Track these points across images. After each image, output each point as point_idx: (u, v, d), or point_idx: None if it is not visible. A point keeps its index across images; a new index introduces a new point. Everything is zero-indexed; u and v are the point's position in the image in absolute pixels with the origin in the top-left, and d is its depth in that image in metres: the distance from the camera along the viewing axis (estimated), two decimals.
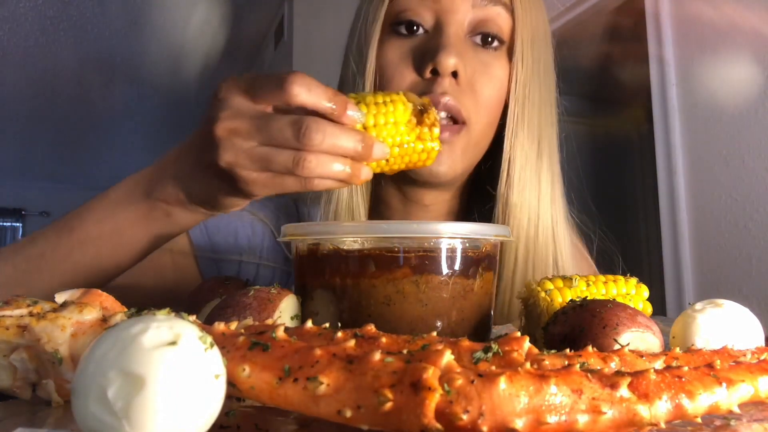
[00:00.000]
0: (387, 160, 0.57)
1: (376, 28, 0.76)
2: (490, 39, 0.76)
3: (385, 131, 0.56)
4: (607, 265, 0.88)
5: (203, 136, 0.55)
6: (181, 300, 0.64)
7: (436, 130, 0.59)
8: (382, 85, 0.76)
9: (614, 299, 0.48)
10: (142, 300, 0.73)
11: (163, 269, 0.77)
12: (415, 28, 0.75)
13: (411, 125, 0.58)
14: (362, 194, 0.78)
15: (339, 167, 0.54)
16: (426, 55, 0.73)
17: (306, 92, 0.52)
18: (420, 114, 0.59)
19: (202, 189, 0.59)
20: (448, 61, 0.71)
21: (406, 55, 0.75)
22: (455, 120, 0.73)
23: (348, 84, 0.79)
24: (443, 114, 0.72)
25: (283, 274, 0.82)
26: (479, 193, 0.83)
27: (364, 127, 0.56)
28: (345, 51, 0.84)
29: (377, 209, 0.83)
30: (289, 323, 0.46)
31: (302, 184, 0.54)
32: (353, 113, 0.55)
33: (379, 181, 0.81)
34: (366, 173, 0.56)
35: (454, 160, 0.75)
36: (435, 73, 0.72)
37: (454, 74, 0.72)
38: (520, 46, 0.77)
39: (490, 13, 0.75)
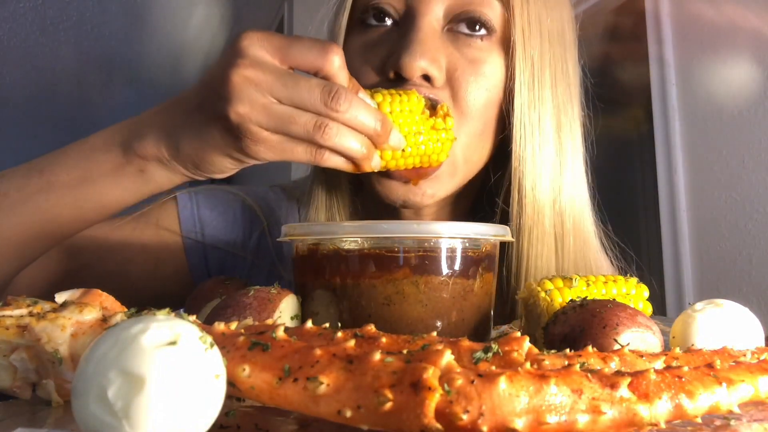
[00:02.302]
0: (403, 151, 0.57)
1: (343, 20, 0.67)
2: (477, 26, 0.63)
3: (401, 118, 0.56)
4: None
5: (212, 83, 0.52)
6: (162, 281, 0.60)
7: (450, 121, 0.59)
8: None
9: (614, 299, 0.48)
10: (119, 269, 0.71)
11: (149, 243, 0.73)
12: (383, 17, 0.64)
13: (425, 115, 0.58)
14: (342, 203, 0.71)
15: (356, 144, 0.52)
16: (389, 55, 0.62)
17: (341, 64, 0.52)
18: (432, 107, 0.59)
19: (194, 143, 0.54)
20: (414, 64, 0.59)
21: (369, 51, 0.64)
22: None
23: None
24: None
25: (271, 272, 0.77)
26: (485, 199, 0.72)
27: None
28: None
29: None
30: (289, 323, 0.46)
31: (313, 154, 0.52)
32: (365, 97, 0.54)
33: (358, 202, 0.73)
34: (377, 161, 0.55)
35: (435, 188, 0.64)
36: (399, 77, 0.61)
37: (427, 78, 0.61)
38: (521, 37, 0.63)
39: None
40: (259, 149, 0.52)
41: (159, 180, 0.57)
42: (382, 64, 0.63)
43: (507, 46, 0.65)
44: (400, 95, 0.57)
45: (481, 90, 0.63)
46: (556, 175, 0.67)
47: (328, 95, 0.50)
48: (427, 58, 0.60)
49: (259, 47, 0.50)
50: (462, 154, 0.65)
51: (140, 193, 0.58)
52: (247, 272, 0.78)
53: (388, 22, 0.65)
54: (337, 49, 0.52)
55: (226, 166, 0.56)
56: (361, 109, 0.51)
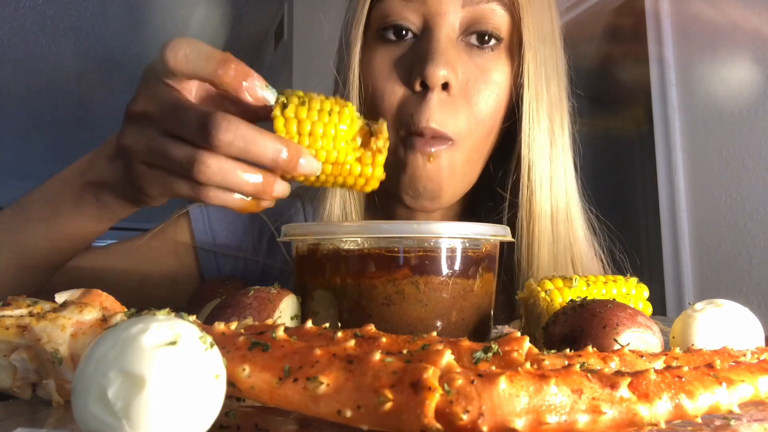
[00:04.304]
0: (317, 178, 0.49)
1: (358, 33, 0.69)
2: (486, 38, 0.68)
3: (322, 142, 0.48)
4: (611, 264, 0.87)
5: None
6: (179, 295, 0.62)
7: (381, 158, 0.50)
8: (370, 98, 0.69)
9: (614, 299, 0.48)
10: (139, 287, 0.73)
11: (163, 259, 0.76)
12: (403, 32, 0.68)
13: (353, 144, 0.50)
14: (357, 199, 0.73)
15: (246, 178, 0.44)
16: (414, 67, 0.66)
17: (239, 70, 0.44)
18: (368, 135, 0.51)
19: (111, 174, 0.52)
20: (437, 73, 0.64)
21: (394, 66, 0.68)
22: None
23: (338, 89, 0.73)
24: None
25: (282, 274, 0.80)
26: (485, 191, 0.78)
27: (299, 133, 0.47)
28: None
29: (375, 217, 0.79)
30: (289, 323, 0.46)
31: (195, 191, 0.45)
32: (262, 91, 0.46)
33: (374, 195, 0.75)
34: (281, 189, 0.47)
35: (443, 182, 0.69)
36: (425, 86, 0.65)
37: (445, 86, 0.65)
38: (529, 43, 0.69)
39: (483, 11, 0.68)
40: (144, 184, 0.48)
41: (113, 207, 0.55)
42: (407, 75, 0.67)
43: (512, 51, 0.70)
44: (331, 113, 0.48)
45: (492, 96, 0.69)
46: (553, 164, 0.74)
47: (205, 125, 0.42)
48: (448, 67, 0.64)
49: (160, 72, 0.46)
50: (465, 153, 0.69)
51: (101, 221, 0.57)
52: (259, 276, 0.80)
53: (408, 36, 0.69)
54: (231, 59, 0.45)
55: (143, 200, 0.52)
56: (250, 139, 0.43)
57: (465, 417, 0.24)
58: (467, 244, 0.46)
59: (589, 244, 0.79)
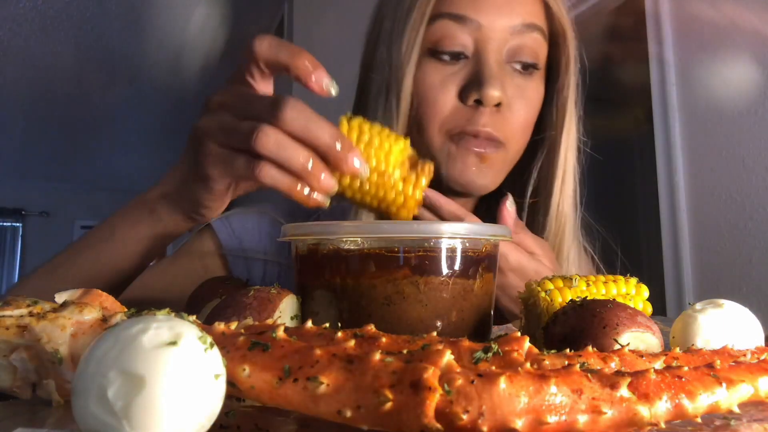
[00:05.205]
0: (361, 185, 0.52)
1: (414, 52, 0.75)
2: (528, 67, 0.78)
3: (373, 151, 0.52)
4: (607, 264, 0.88)
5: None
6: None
7: (424, 181, 0.54)
8: (418, 109, 0.76)
9: (614, 299, 0.48)
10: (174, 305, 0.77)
11: (194, 274, 0.78)
12: (457, 54, 0.76)
13: (403, 165, 0.54)
14: None
15: (298, 156, 0.48)
16: (471, 85, 0.74)
17: (310, 59, 0.51)
18: (416, 163, 0.55)
19: (177, 182, 0.58)
20: (493, 94, 0.72)
21: (449, 82, 0.76)
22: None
23: (372, 99, 0.79)
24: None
25: None
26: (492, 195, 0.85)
27: (358, 141, 0.52)
28: (364, 60, 0.84)
29: None
30: (289, 323, 0.46)
31: (251, 167, 0.49)
32: (328, 82, 0.51)
33: None
34: (328, 181, 0.50)
35: (495, 174, 0.78)
36: (478, 102, 0.74)
37: (496, 104, 0.75)
38: (565, 69, 0.80)
39: (527, 40, 0.76)
40: (207, 164, 0.52)
41: (166, 219, 0.60)
42: (461, 92, 0.75)
43: (545, 73, 0.81)
44: (388, 136, 0.54)
45: (530, 113, 0.79)
46: (567, 166, 0.83)
47: (273, 103, 0.48)
48: (501, 89, 0.74)
49: (243, 63, 0.53)
50: (511, 156, 0.79)
51: (155, 236, 0.61)
52: (285, 276, 0.83)
53: (462, 58, 0.76)
54: (306, 52, 0.52)
55: (205, 199, 0.56)
56: (312, 120, 0.48)
57: (465, 417, 0.24)
58: (467, 244, 0.46)
59: (578, 241, 0.86)
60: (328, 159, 0.49)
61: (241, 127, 0.49)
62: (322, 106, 0.51)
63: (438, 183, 0.76)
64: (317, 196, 0.51)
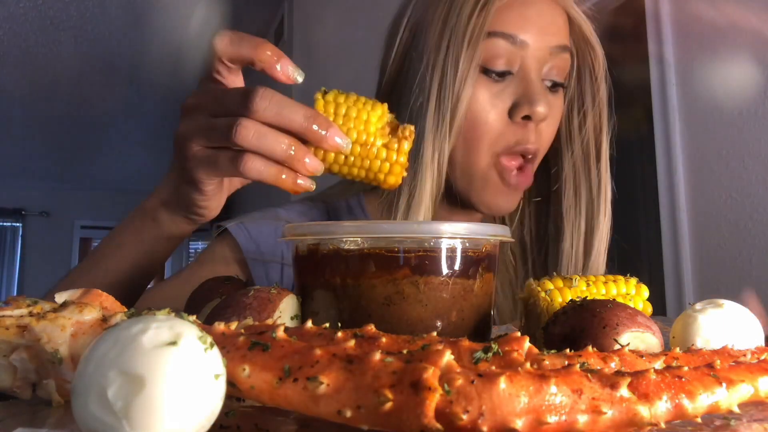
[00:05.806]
0: (345, 158, 0.53)
1: (472, 69, 0.76)
2: (558, 86, 0.82)
3: (352, 124, 0.52)
4: (607, 264, 0.88)
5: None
6: None
7: (407, 145, 0.54)
8: (470, 125, 0.78)
9: (614, 299, 0.48)
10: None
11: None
12: (505, 72, 0.79)
13: (383, 131, 0.54)
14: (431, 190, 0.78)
15: (280, 140, 0.49)
16: (521, 102, 0.78)
17: (274, 52, 0.51)
18: (397, 128, 0.55)
19: (170, 188, 0.60)
20: (542, 111, 0.77)
21: (498, 99, 0.79)
22: (528, 160, 0.81)
23: (413, 112, 0.77)
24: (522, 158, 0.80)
25: None
26: None
27: (335, 114, 0.52)
28: (391, 67, 0.84)
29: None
30: (289, 323, 0.46)
31: (235, 163, 0.50)
32: (293, 70, 0.52)
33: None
34: (313, 163, 0.50)
35: (519, 197, 0.84)
36: (526, 118, 0.77)
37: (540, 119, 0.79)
38: (589, 87, 0.86)
39: (558, 61, 0.80)
40: (192, 167, 0.53)
41: (168, 224, 0.62)
42: (510, 108, 0.79)
43: (567, 89, 0.86)
44: (365, 104, 0.53)
45: (556, 128, 0.85)
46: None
47: (244, 95, 0.49)
48: (546, 106, 0.78)
49: (208, 62, 0.54)
50: (534, 167, 0.83)
51: (155, 240, 0.64)
52: None
53: (507, 75, 0.79)
54: (268, 43, 0.52)
55: (194, 200, 0.58)
56: (285, 105, 0.49)
57: (465, 417, 0.24)
58: (467, 244, 0.46)
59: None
60: (308, 140, 0.50)
61: (219, 124, 0.50)
62: None
63: (451, 195, 0.82)
64: (302, 182, 0.51)
